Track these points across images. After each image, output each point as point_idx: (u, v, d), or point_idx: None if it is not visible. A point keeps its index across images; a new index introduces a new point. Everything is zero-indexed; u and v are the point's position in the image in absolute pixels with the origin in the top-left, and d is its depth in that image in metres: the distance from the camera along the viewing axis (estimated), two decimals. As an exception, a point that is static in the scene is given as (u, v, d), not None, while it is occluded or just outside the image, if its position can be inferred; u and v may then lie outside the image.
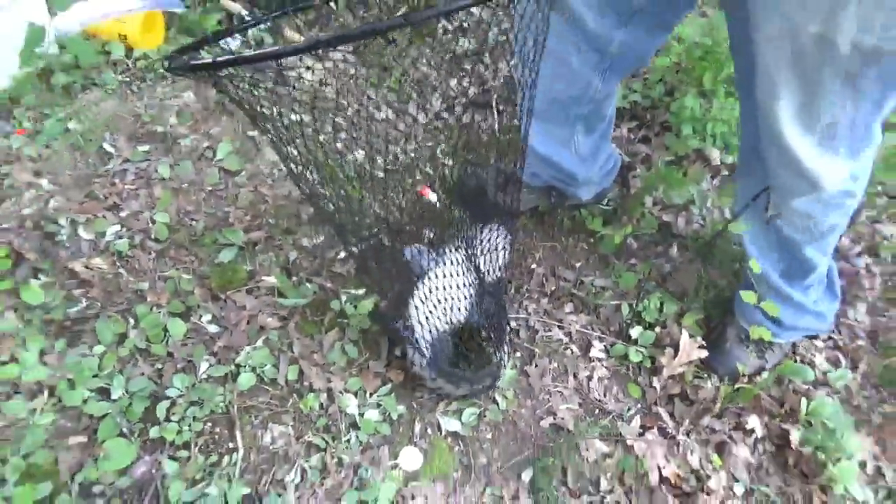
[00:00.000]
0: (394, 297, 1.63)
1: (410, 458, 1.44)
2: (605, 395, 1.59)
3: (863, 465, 1.54)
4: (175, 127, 1.90)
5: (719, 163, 2.03)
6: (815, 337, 1.74)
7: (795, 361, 1.69)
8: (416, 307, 1.44)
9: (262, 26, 2.07)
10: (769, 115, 1.18)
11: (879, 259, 1.92)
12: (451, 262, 1.49)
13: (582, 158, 1.69)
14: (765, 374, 1.61)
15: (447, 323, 1.47)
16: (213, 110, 1.94)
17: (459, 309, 1.48)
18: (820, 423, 1.52)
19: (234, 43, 2.03)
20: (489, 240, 1.54)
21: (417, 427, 1.49)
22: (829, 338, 1.76)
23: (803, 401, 1.54)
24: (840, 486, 1.46)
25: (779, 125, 1.17)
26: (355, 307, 1.57)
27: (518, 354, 1.62)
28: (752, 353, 1.61)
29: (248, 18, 2.08)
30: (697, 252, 1.77)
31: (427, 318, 1.44)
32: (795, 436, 1.51)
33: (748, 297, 1.49)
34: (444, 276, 1.46)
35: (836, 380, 1.65)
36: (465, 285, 1.47)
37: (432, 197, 1.48)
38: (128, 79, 2.02)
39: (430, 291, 1.44)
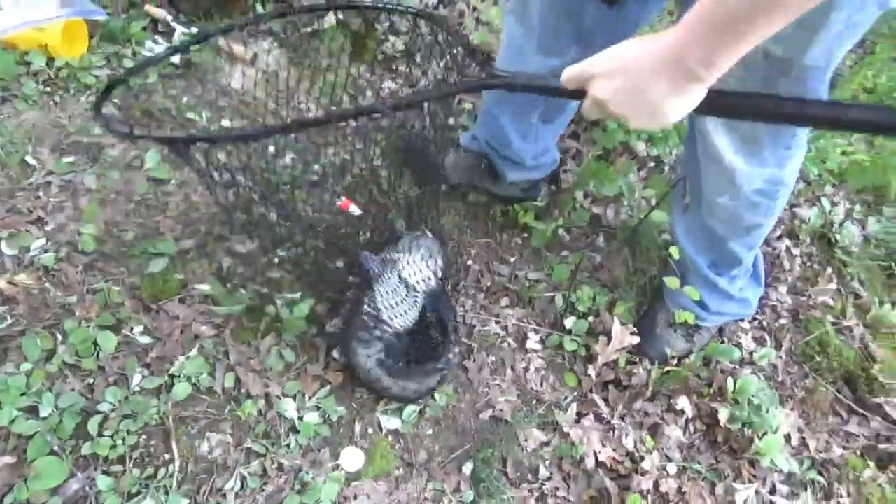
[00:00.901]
0: (339, 300, 1.64)
1: (352, 458, 1.45)
2: (541, 385, 1.63)
3: (788, 437, 1.62)
4: (101, 136, 1.86)
5: (645, 155, 2.09)
6: (742, 320, 1.81)
7: (723, 343, 1.75)
8: (370, 310, 1.45)
9: (187, 30, 2.05)
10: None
11: (798, 241, 2.01)
12: (399, 268, 1.51)
13: (524, 135, 1.70)
14: (693, 357, 1.66)
15: (399, 325, 1.49)
16: (139, 118, 1.91)
17: (408, 311, 1.50)
18: (746, 400, 1.59)
19: (158, 49, 2.00)
20: (422, 245, 1.56)
21: (358, 427, 1.49)
22: (755, 318, 1.84)
23: (730, 380, 1.60)
24: (767, 459, 1.53)
25: (705, 121, 1.22)
26: (291, 311, 1.56)
27: (457, 350, 1.64)
28: (681, 337, 1.67)
29: (173, 24, 2.05)
30: (624, 241, 1.82)
31: (381, 320, 1.46)
32: (724, 414, 1.57)
33: (671, 282, 1.54)
34: (394, 281, 1.47)
35: (760, 358, 1.73)
36: (412, 289, 1.49)
37: (355, 210, 1.50)
38: (50, 89, 1.96)
39: (382, 295, 1.45)
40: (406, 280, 1.50)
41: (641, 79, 0.76)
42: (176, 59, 2.03)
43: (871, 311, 1.90)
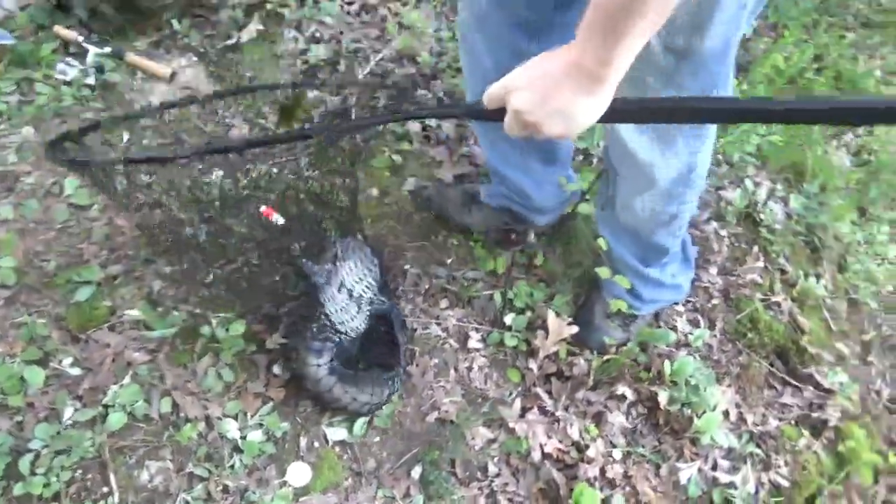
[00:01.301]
0: (276, 315, 1.62)
1: (299, 473, 1.43)
2: (485, 383, 1.64)
3: (726, 414, 1.66)
4: (16, 165, 1.79)
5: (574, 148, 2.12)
6: (676, 303, 1.85)
7: (659, 327, 1.79)
8: (321, 318, 1.44)
9: (100, 50, 1.99)
10: None
11: (725, 222, 2.08)
12: (341, 274, 1.51)
13: (538, 185, 1.68)
14: (630, 344, 1.70)
15: (349, 330, 1.48)
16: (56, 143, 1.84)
17: (356, 317, 1.49)
18: (684, 381, 1.63)
19: (71, 71, 1.94)
20: (357, 251, 1.57)
21: (303, 441, 1.48)
22: (688, 301, 1.88)
23: (667, 363, 1.64)
24: (707, 437, 1.57)
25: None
26: (227, 330, 1.54)
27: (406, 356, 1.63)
28: (618, 327, 1.70)
29: (85, 45, 1.99)
30: (556, 234, 1.83)
31: (335, 328, 1.45)
32: (664, 397, 1.61)
33: (602, 272, 1.57)
34: (341, 290, 1.47)
35: (695, 339, 1.77)
36: (358, 296, 1.50)
37: (277, 219, 1.50)
38: (-43, 119, 1.89)
39: (330, 302, 1.45)
40: (350, 286, 1.50)
41: (551, 86, 0.82)
42: (91, 80, 1.97)
43: (797, 286, 1.98)
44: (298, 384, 1.48)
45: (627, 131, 1.26)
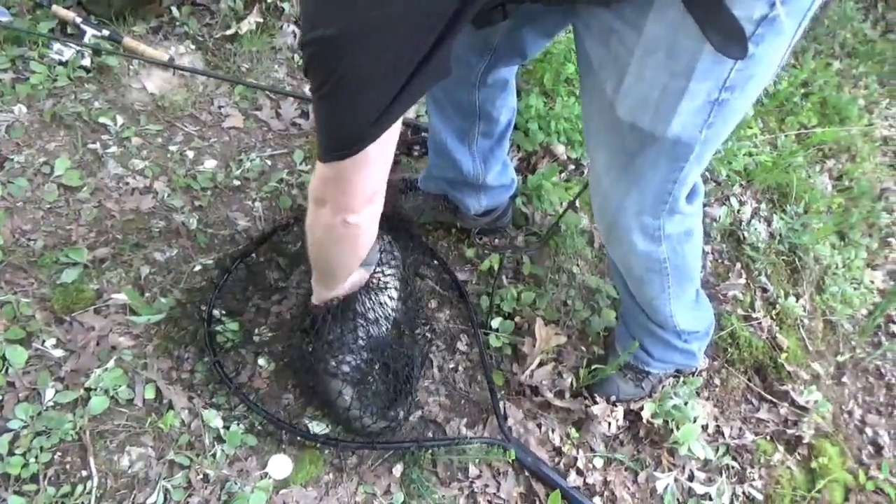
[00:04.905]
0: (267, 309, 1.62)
1: (280, 465, 1.43)
2: (470, 386, 1.65)
3: (705, 427, 1.69)
4: (5, 143, 1.77)
5: (566, 158, 2.14)
6: (693, 372, 1.79)
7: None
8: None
9: (98, 32, 1.97)
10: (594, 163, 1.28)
11: (710, 238, 2.11)
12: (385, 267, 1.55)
13: (472, 154, 1.65)
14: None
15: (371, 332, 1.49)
16: (48, 124, 1.82)
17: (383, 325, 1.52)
18: (667, 395, 1.65)
19: (67, 52, 1.92)
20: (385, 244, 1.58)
21: (286, 434, 1.47)
22: (671, 314, 1.90)
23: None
24: (685, 447, 1.59)
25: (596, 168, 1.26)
26: (222, 322, 1.53)
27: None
28: (630, 381, 1.66)
29: (83, 27, 1.97)
30: (544, 240, 1.85)
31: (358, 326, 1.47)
32: (648, 410, 1.62)
33: (608, 314, 1.59)
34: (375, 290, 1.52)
35: (678, 352, 1.79)
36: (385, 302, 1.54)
37: None
38: (-53, 94, 1.86)
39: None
40: (382, 286, 1.54)
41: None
42: (87, 62, 1.95)
43: (776, 304, 2.01)
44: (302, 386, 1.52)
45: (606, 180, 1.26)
